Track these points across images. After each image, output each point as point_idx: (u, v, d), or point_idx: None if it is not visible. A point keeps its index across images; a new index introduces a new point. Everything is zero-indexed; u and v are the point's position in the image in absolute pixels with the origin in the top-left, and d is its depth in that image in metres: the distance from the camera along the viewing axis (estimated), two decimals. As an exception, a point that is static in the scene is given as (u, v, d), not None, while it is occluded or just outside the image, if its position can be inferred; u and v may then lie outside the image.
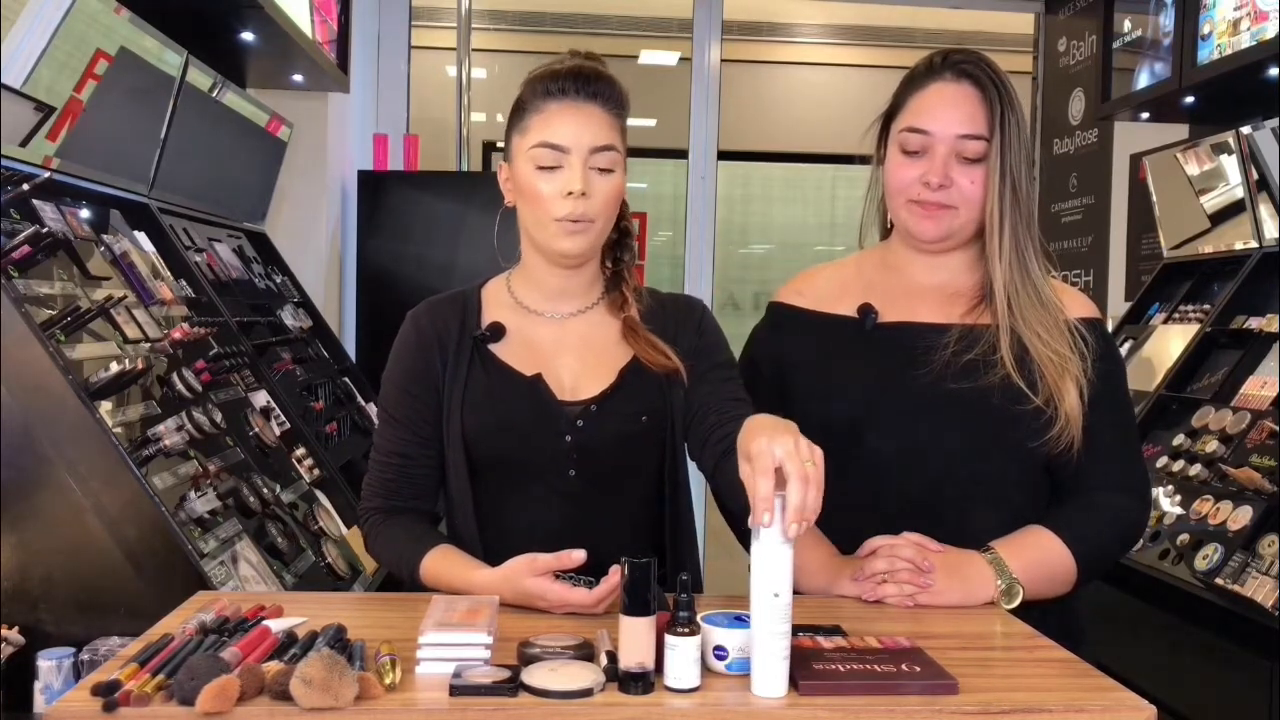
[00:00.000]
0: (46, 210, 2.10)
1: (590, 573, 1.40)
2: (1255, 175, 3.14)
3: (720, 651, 1.18)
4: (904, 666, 1.18)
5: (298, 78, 3.58)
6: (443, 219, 3.91)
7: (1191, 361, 3.27)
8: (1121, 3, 3.96)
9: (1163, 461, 3.03)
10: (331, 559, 2.35)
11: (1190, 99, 3.57)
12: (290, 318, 3.28)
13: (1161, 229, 3.72)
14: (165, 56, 2.45)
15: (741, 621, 1.19)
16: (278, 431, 2.54)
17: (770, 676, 1.14)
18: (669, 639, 1.13)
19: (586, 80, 1.53)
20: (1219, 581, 2.50)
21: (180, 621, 1.28)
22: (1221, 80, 3.31)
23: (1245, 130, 3.14)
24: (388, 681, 1.10)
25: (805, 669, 1.16)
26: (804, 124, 6.80)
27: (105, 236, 2.31)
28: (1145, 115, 3.91)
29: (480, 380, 1.58)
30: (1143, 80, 3.74)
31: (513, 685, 1.10)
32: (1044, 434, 1.56)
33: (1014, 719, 1.11)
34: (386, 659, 1.13)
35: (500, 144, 6.61)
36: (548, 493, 1.56)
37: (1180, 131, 3.89)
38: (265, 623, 1.27)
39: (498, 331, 1.60)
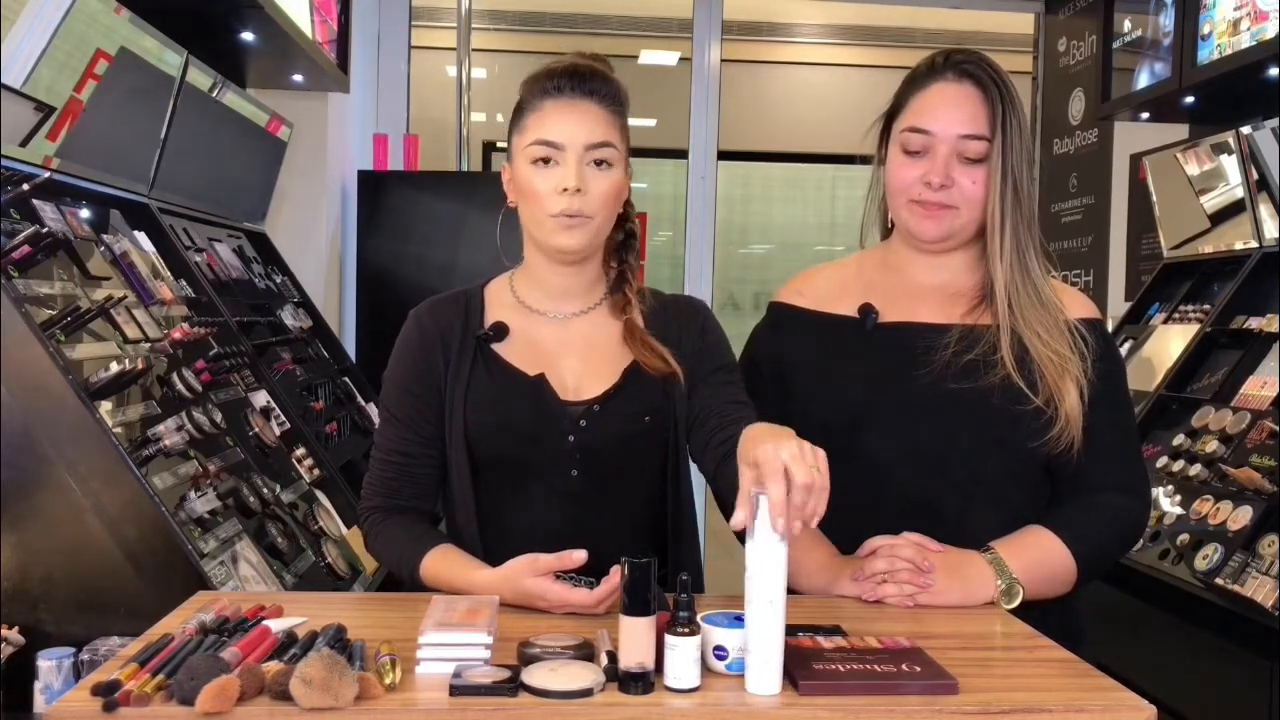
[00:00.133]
0: (46, 210, 2.10)
1: (591, 573, 1.40)
2: (1255, 175, 3.14)
3: (720, 651, 1.18)
4: (904, 666, 1.18)
5: (298, 78, 3.58)
6: (443, 219, 3.91)
7: (1191, 361, 3.27)
8: (1121, 3, 3.96)
9: (1163, 461, 3.03)
10: (331, 559, 2.35)
11: (1190, 99, 3.57)
12: (290, 318, 3.28)
13: (1161, 229, 3.72)
14: (165, 56, 2.45)
15: (741, 621, 1.19)
16: (278, 431, 2.54)
17: (766, 674, 1.14)
18: (669, 639, 1.13)
19: (582, 78, 1.54)
20: (1219, 581, 2.50)
21: (180, 621, 1.28)
22: (1221, 80, 3.31)
23: (1245, 130, 3.14)
24: (388, 681, 1.10)
25: (805, 669, 1.16)
26: (804, 124, 6.80)
27: (105, 236, 2.31)
28: (1145, 115, 3.91)
29: (483, 380, 1.58)
30: (1143, 80, 3.74)
31: (513, 685, 1.10)
32: (1044, 434, 1.56)
33: (1014, 719, 1.11)
34: (386, 659, 1.13)
35: (500, 144, 6.63)
36: (549, 493, 1.56)
37: (1180, 131, 3.89)
38: (265, 623, 1.27)
39: (501, 331, 1.60)
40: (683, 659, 1.12)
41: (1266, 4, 3.07)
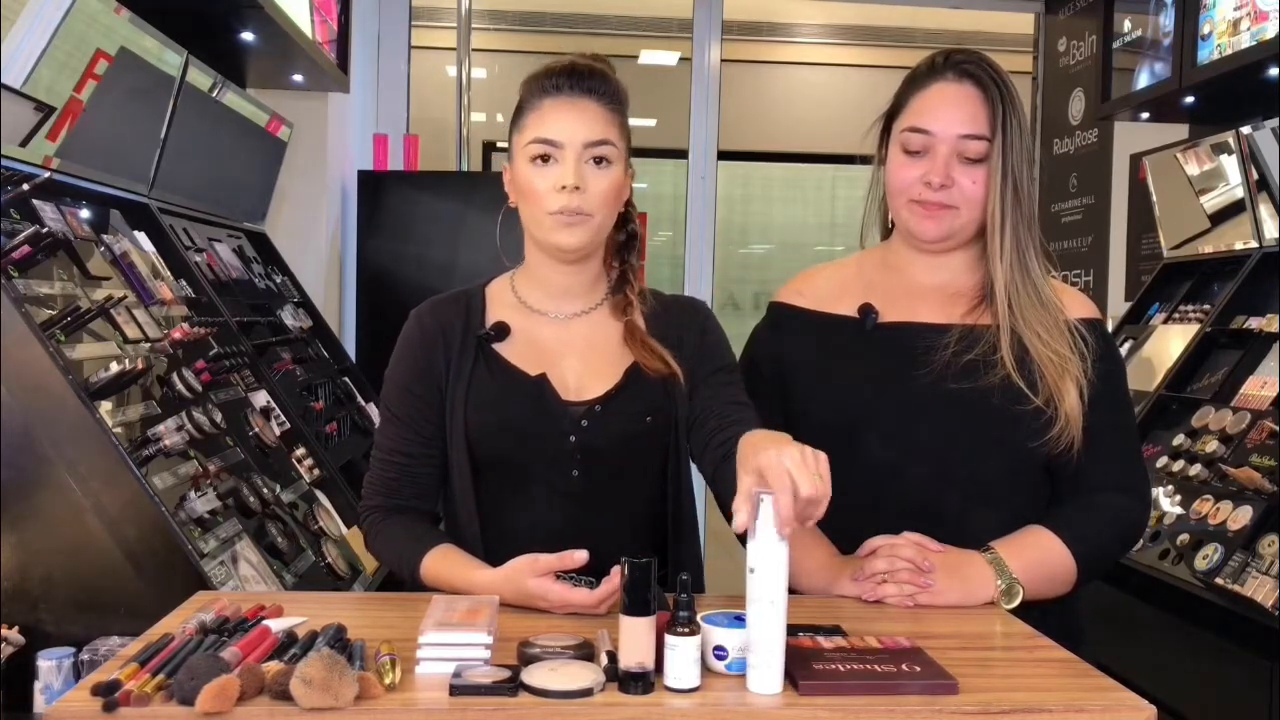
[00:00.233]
0: (46, 210, 2.10)
1: (591, 573, 1.40)
2: (1255, 175, 3.14)
3: (720, 651, 1.18)
4: (904, 666, 1.18)
5: (298, 78, 3.58)
6: (443, 219, 3.91)
7: (1191, 361, 3.27)
8: (1121, 3, 3.96)
9: (1163, 461, 3.03)
10: (331, 559, 2.35)
11: (1190, 99, 3.57)
12: (290, 318, 3.28)
13: (1161, 229, 3.72)
14: (165, 56, 2.45)
15: (741, 621, 1.19)
16: (278, 431, 2.54)
17: (767, 675, 1.14)
18: (669, 639, 1.13)
19: (581, 76, 1.54)
20: (1219, 581, 2.50)
21: (180, 621, 1.28)
22: (1221, 80, 3.31)
23: (1245, 130, 3.14)
24: (388, 681, 1.10)
25: (805, 669, 1.16)
26: (804, 124, 6.80)
27: (105, 236, 2.31)
28: (1145, 115, 3.91)
29: (484, 379, 1.58)
30: (1143, 80, 3.74)
31: (513, 685, 1.10)
32: (1044, 434, 1.56)
33: (1014, 719, 1.11)
34: (386, 659, 1.13)
35: (500, 144, 6.63)
36: (550, 493, 1.56)
37: (1180, 131, 3.89)
38: (265, 623, 1.27)
39: (502, 331, 1.60)
40: (683, 659, 1.12)
41: (1266, 4, 3.07)
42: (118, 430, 1.87)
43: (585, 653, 1.19)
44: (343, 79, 3.73)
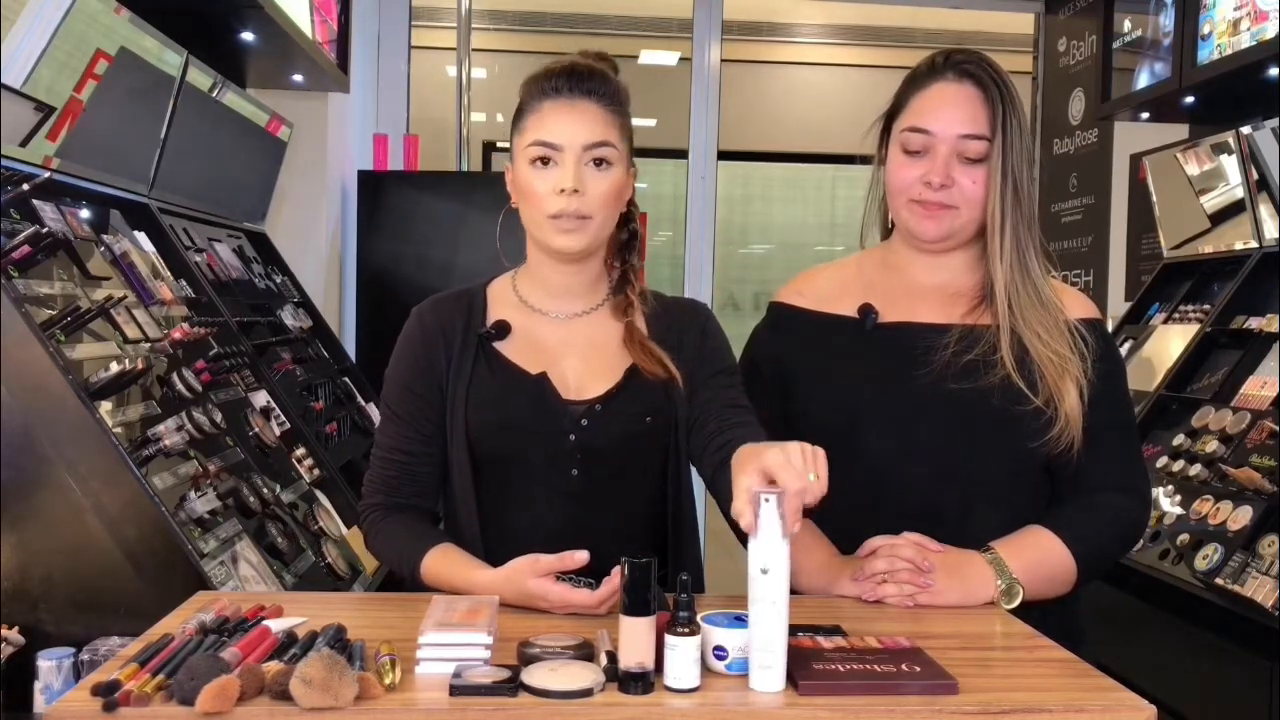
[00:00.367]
0: (46, 210, 2.10)
1: (591, 573, 1.40)
2: (1255, 175, 3.14)
3: (720, 651, 1.18)
4: (904, 666, 1.18)
5: (298, 78, 3.58)
6: (443, 219, 3.91)
7: (1191, 361, 3.27)
8: (1121, 3, 3.96)
9: (1163, 461, 3.03)
10: (331, 559, 2.35)
11: (1190, 99, 3.57)
12: (290, 318, 3.28)
13: (1161, 229, 3.72)
14: (165, 56, 2.45)
15: (741, 621, 1.19)
16: (278, 431, 2.54)
17: (769, 674, 1.14)
18: (669, 639, 1.13)
19: (580, 77, 1.53)
20: (1219, 581, 2.50)
21: (180, 621, 1.28)
22: (1221, 80, 3.31)
23: (1245, 130, 3.14)
24: (388, 681, 1.10)
25: (805, 669, 1.16)
26: (804, 124, 6.80)
27: (105, 236, 2.31)
28: (1145, 115, 3.91)
29: (485, 378, 1.58)
30: (1143, 80, 3.74)
31: (513, 685, 1.10)
32: (1044, 434, 1.56)
33: (1014, 719, 1.11)
34: (386, 659, 1.13)
35: (500, 144, 6.63)
36: (550, 492, 1.56)
37: (1180, 131, 3.89)
38: (265, 623, 1.27)
39: (503, 329, 1.60)
40: (683, 659, 1.12)
41: (1266, 4, 3.07)
42: (118, 430, 1.87)
43: (585, 653, 1.19)
44: (343, 79, 3.73)
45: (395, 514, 1.58)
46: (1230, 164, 3.26)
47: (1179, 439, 3.05)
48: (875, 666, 1.18)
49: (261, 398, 2.60)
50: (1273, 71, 3.14)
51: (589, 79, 1.54)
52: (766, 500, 1.17)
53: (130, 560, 1.79)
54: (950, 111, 1.58)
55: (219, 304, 2.62)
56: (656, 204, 6.34)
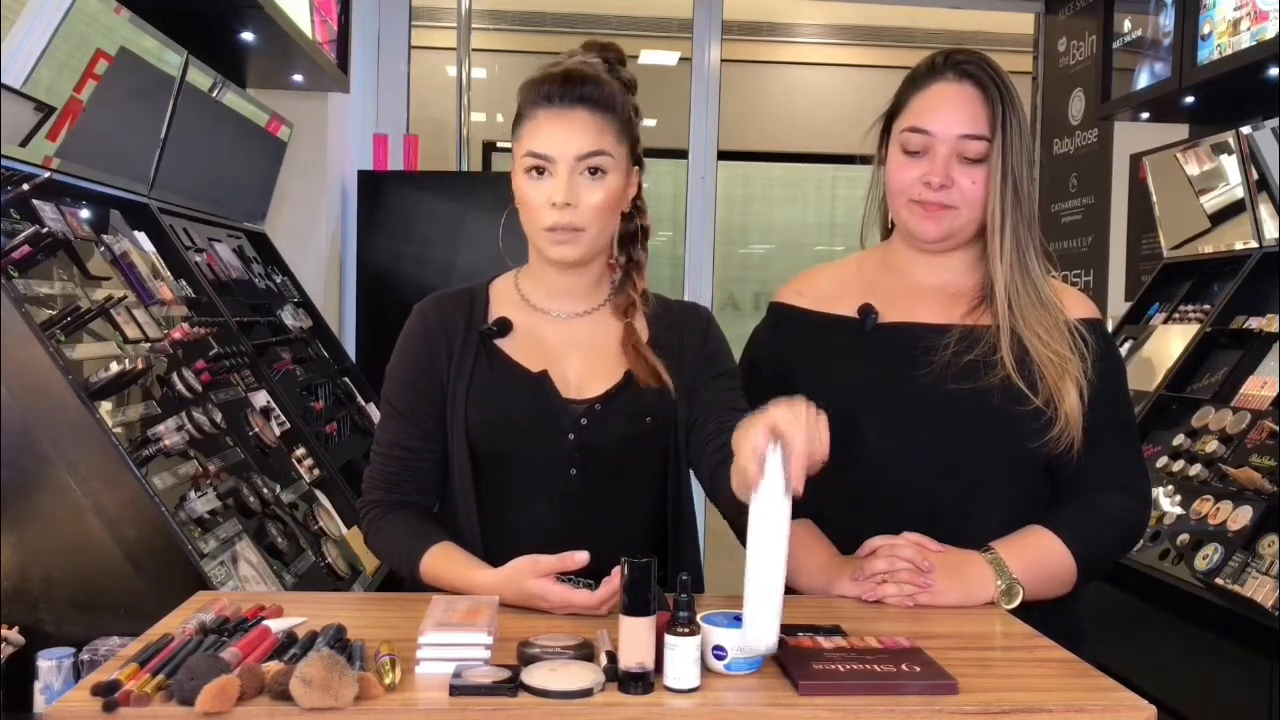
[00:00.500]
0: (46, 210, 2.10)
1: (590, 573, 1.40)
2: (1255, 175, 3.14)
3: (720, 651, 1.18)
4: (904, 666, 1.18)
5: (298, 78, 3.58)
6: (443, 219, 3.91)
7: (1191, 361, 3.27)
8: (1121, 3, 3.96)
9: (1163, 461, 3.03)
10: (331, 559, 2.35)
11: (1190, 99, 3.57)
12: (290, 318, 3.28)
13: (1161, 229, 3.72)
14: (165, 56, 2.45)
15: (741, 622, 1.19)
16: (278, 431, 2.54)
17: (764, 629, 1.14)
18: (669, 639, 1.13)
19: (572, 84, 1.52)
20: (1219, 581, 2.50)
21: (180, 621, 1.28)
22: (1221, 80, 3.31)
23: (1245, 130, 3.14)
24: (388, 681, 1.10)
25: (805, 669, 1.16)
26: (804, 124, 6.80)
27: (105, 236, 2.31)
28: (1145, 115, 3.91)
29: (485, 375, 1.58)
30: (1143, 80, 3.74)
31: (513, 685, 1.10)
32: (1044, 435, 1.56)
33: (1014, 719, 1.11)
34: (386, 659, 1.13)
35: (500, 144, 6.62)
36: (549, 491, 1.56)
37: (1180, 131, 3.89)
38: (265, 623, 1.27)
39: (505, 327, 1.60)
40: (682, 659, 1.12)
41: (1266, 4, 3.07)
42: (118, 430, 1.87)
43: (585, 653, 1.19)
44: (343, 79, 3.73)
45: (395, 511, 1.58)
46: (1230, 164, 3.26)
47: (1179, 439, 3.05)
48: (875, 666, 1.18)
49: (261, 398, 2.60)
50: (1273, 71, 3.14)
51: (582, 85, 1.52)
52: (773, 452, 1.17)
53: (130, 560, 1.79)
54: (950, 112, 1.58)
55: (219, 304, 2.62)
56: (657, 204, 6.30)
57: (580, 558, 1.36)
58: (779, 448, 1.19)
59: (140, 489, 1.79)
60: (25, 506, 1.78)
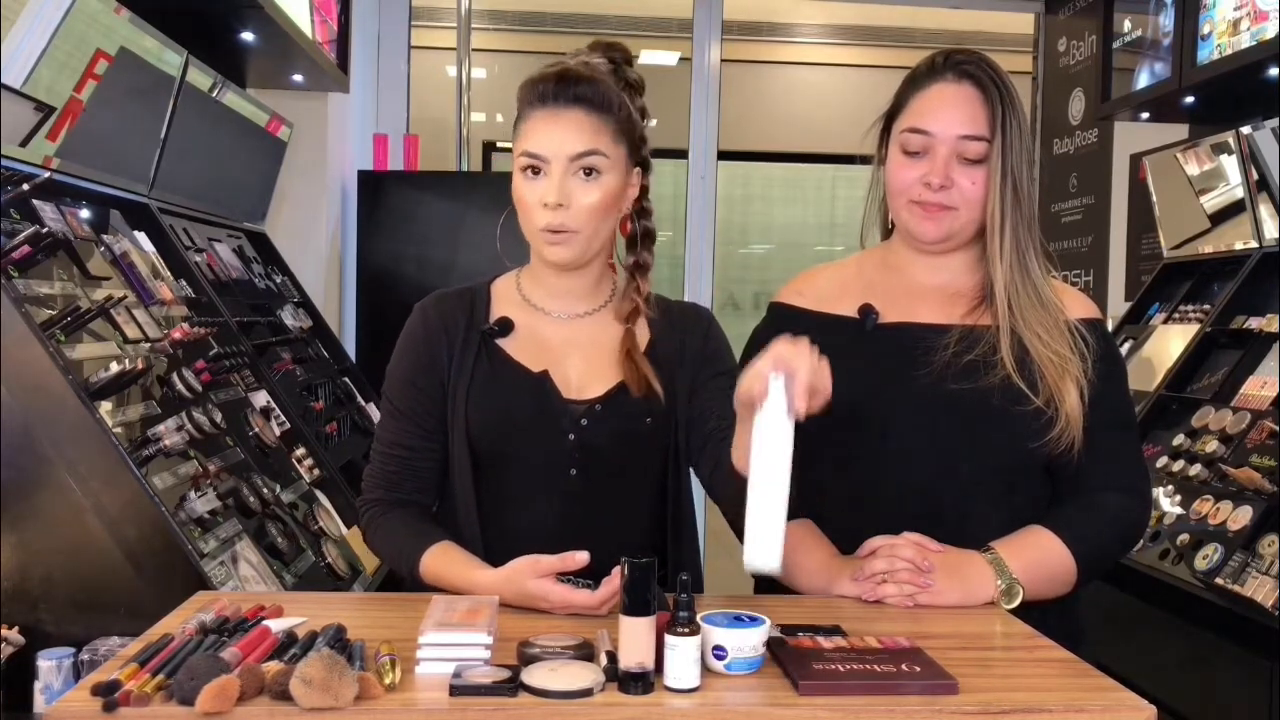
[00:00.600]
0: (46, 210, 2.10)
1: (590, 573, 1.40)
2: (1255, 175, 3.14)
3: (720, 651, 1.18)
4: (904, 666, 1.18)
5: (298, 78, 3.58)
6: (443, 219, 3.91)
7: (1191, 361, 3.27)
8: (1121, 3, 3.96)
9: (1163, 461, 3.03)
10: (331, 559, 2.35)
11: (1190, 99, 3.57)
12: (290, 318, 3.28)
13: (1161, 229, 3.72)
14: (165, 56, 2.45)
15: (741, 621, 1.19)
16: (278, 431, 2.54)
17: (766, 548, 1.16)
18: (669, 639, 1.13)
19: (568, 84, 1.52)
20: (1219, 581, 2.50)
21: (180, 621, 1.28)
22: (1221, 80, 3.31)
23: (1245, 130, 3.14)
24: (388, 681, 1.10)
25: (805, 669, 1.16)
26: (804, 124, 6.80)
27: (105, 236, 2.31)
28: (1145, 115, 3.90)
29: (486, 374, 1.58)
30: (1143, 80, 3.74)
31: (513, 685, 1.10)
32: (1044, 435, 1.56)
33: (1014, 719, 1.11)
34: (386, 659, 1.13)
35: (500, 144, 6.61)
36: (549, 491, 1.56)
37: (1180, 131, 3.89)
38: (265, 623, 1.27)
39: (506, 326, 1.60)
40: (683, 659, 1.12)
41: (1266, 4, 3.07)
42: (118, 430, 1.87)
43: (585, 653, 1.19)
44: (343, 79, 3.73)
45: (395, 510, 1.58)
46: (1230, 164, 3.26)
47: (1179, 439, 3.05)
48: (875, 666, 1.18)
49: (261, 398, 2.60)
50: (1273, 71, 3.14)
51: (576, 84, 1.52)
52: (776, 378, 1.19)
53: (130, 560, 1.79)
54: (950, 112, 1.58)
55: (219, 304, 2.62)
56: (657, 204, 6.31)
57: (581, 558, 1.36)
58: (782, 375, 1.22)
59: (140, 489, 1.79)
60: (25, 506, 1.78)
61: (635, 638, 1.13)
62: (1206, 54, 3.33)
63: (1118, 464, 1.62)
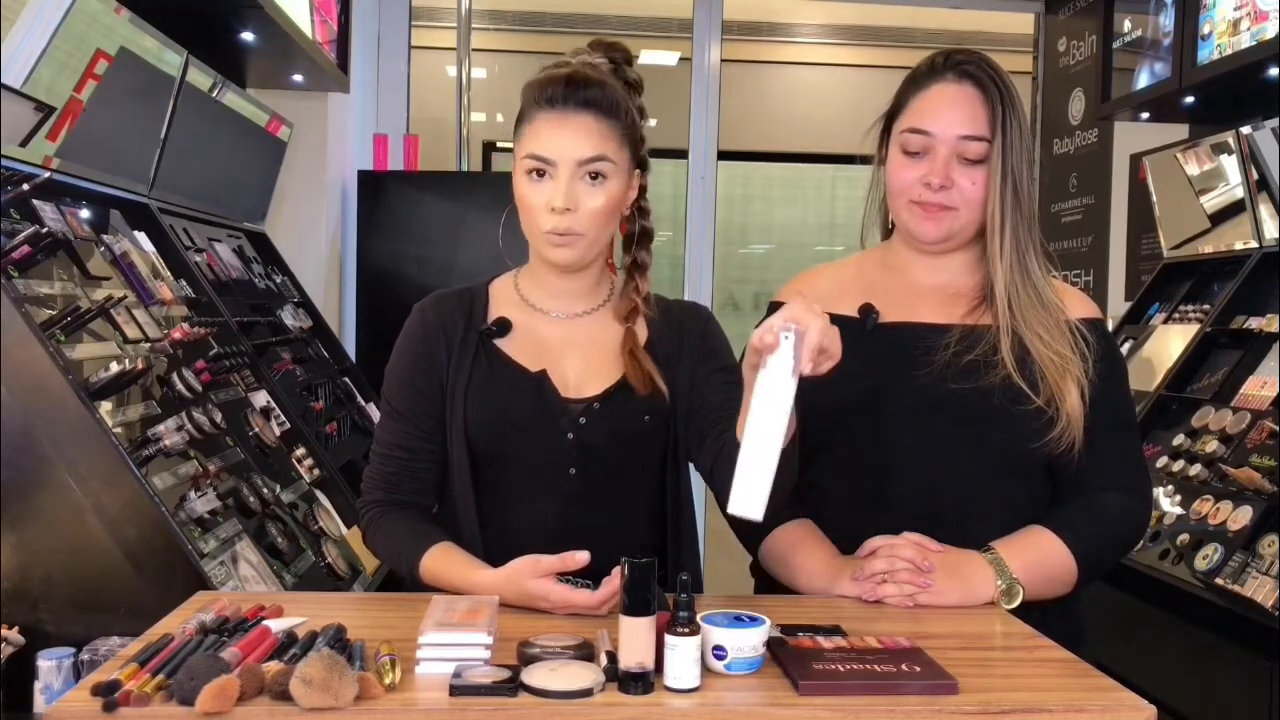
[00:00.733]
0: (46, 210, 2.10)
1: (589, 572, 1.40)
2: (1255, 175, 3.14)
3: (720, 651, 1.18)
4: (904, 666, 1.18)
5: (298, 78, 3.58)
6: (443, 219, 3.91)
7: (1191, 361, 3.27)
8: (1121, 3, 3.96)
9: (1163, 461, 3.03)
10: (331, 559, 2.35)
11: (1190, 99, 3.57)
12: (290, 318, 3.28)
13: (1161, 229, 3.72)
14: (165, 56, 2.45)
15: (741, 622, 1.19)
16: (278, 431, 2.54)
17: (751, 494, 1.18)
18: (669, 639, 1.13)
19: (576, 88, 1.51)
20: (1219, 581, 2.50)
21: (180, 621, 1.28)
22: (1221, 80, 3.31)
23: (1245, 130, 3.14)
24: (388, 681, 1.10)
25: (805, 669, 1.16)
26: (804, 124, 6.80)
27: (105, 236, 2.31)
28: (1145, 115, 3.90)
29: (484, 374, 1.58)
30: (1143, 80, 3.74)
31: (513, 685, 1.10)
32: (1045, 434, 1.56)
33: (1014, 719, 1.11)
34: (386, 659, 1.13)
35: (500, 144, 6.60)
36: (548, 491, 1.56)
37: (1180, 131, 3.89)
38: (265, 623, 1.27)
39: (504, 327, 1.60)
40: (683, 659, 1.12)
41: (1266, 4, 3.07)
42: (118, 430, 1.87)
43: (585, 653, 1.19)
44: (343, 79, 3.73)
45: (395, 511, 1.58)
46: (1230, 164, 3.26)
47: (1179, 439, 3.05)
48: (875, 666, 1.18)
49: (261, 398, 2.60)
50: (1273, 71, 3.14)
51: (586, 88, 1.52)
52: (786, 336, 1.22)
53: (130, 560, 1.79)
54: (950, 113, 1.58)
55: (219, 304, 2.62)
56: (657, 204, 6.24)
57: (581, 557, 1.36)
58: (793, 332, 1.24)
59: (140, 489, 1.79)
60: (25, 506, 1.78)
61: (635, 638, 1.13)
62: (1206, 54, 3.33)
63: (1118, 464, 1.62)
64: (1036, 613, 1.50)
